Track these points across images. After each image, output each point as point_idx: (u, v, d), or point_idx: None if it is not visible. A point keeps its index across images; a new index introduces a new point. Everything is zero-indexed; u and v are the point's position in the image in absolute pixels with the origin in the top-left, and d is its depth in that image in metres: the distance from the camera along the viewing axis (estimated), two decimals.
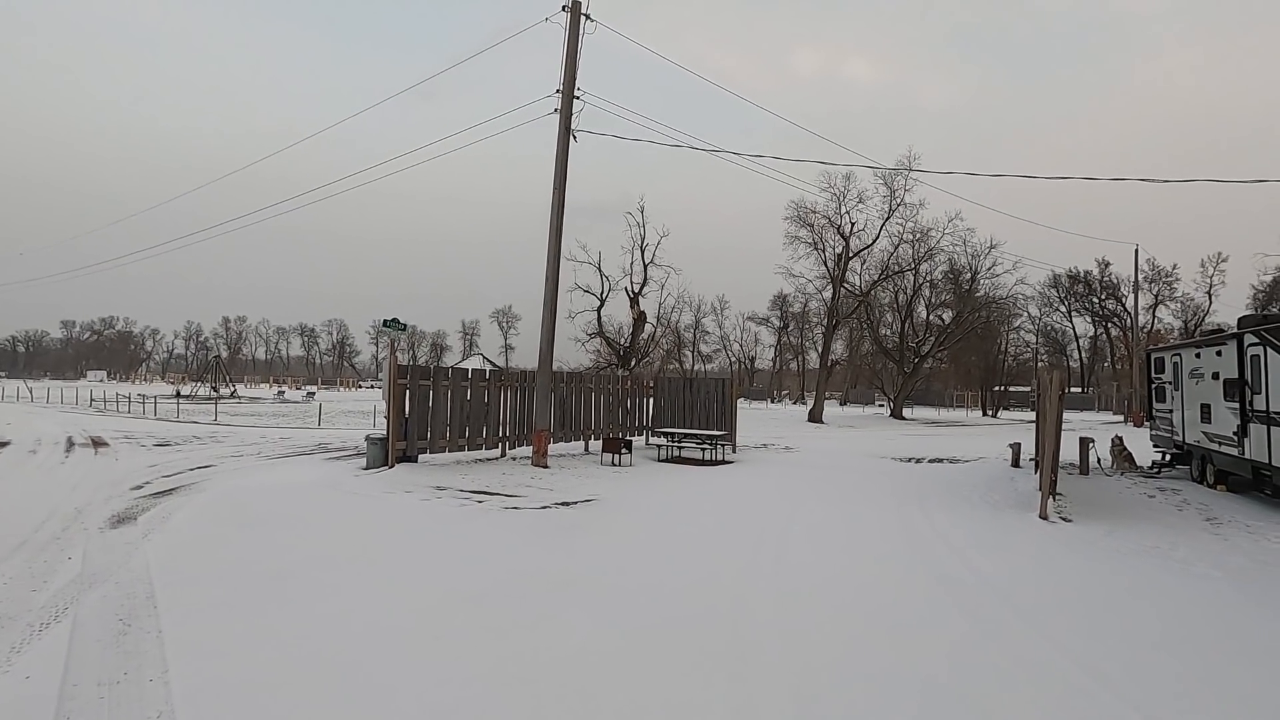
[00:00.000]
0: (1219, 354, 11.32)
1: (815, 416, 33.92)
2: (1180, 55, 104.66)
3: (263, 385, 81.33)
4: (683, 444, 16.24)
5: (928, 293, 39.44)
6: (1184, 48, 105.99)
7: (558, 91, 14.34)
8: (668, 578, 6.00)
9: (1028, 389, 43.97)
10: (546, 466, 13.45)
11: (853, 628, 4.81)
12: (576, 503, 9.83)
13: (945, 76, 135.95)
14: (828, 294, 37.06)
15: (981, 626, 4.90)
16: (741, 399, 61.28)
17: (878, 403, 50.93)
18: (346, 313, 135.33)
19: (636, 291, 32.33)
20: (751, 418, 34.27)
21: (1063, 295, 66.32)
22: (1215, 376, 11.41)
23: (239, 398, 48.71)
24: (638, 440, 17.95)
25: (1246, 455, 10.38)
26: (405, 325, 16.20)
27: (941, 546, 7.49)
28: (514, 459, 14.49)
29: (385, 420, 13.04)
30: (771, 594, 5.59)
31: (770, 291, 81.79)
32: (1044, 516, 9.05)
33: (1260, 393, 9.92)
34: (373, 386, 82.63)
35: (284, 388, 67.79)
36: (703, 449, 15.88)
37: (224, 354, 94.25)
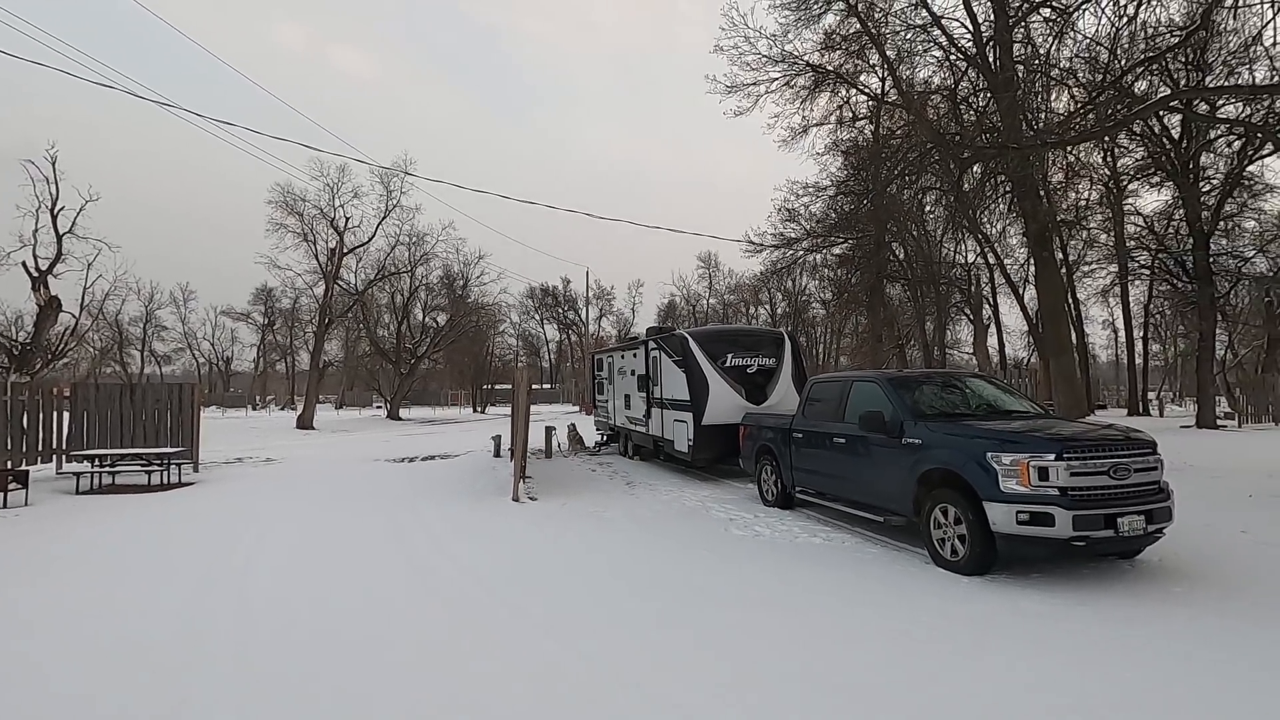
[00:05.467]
0: (635, 355, 14.74)
1: (305, 422, 31.23)
2: (605, 129, 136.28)
3: None
4: (118, 468, 12.73)
5: (424, 295, 40.80)
6: (608, 124, 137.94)
7: None
8: (53, 664, 4.46)
9: (509, 386, 49.68)
10: None
11: (327, 658, 4.43)
12: None
13: (442, 93, 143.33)
14: (320, 290, 34.63)
15: (451, 604, 5.15)
16: (215, 407, 52.23)
17: (375, 404, 50.13)
18: None
19: (45, 269, 24.13)
20: (228, 427, 29.41)
21: (536, 305, 78.20)
22: (633, 373, 14.83)
23: None
24: (45, 469, 13.34)
25: (650, 432, 13.79)
26: None
27: (424, 540, 7.68)
28: None
29: None
30: (226, 646, 4.70)
31: (252, 283, 71.84)
32: (516, 499, 10.20)
33: (658, 385, 13.29)
34: None
35: None
36: (149, 472, 12.75)
37: None
